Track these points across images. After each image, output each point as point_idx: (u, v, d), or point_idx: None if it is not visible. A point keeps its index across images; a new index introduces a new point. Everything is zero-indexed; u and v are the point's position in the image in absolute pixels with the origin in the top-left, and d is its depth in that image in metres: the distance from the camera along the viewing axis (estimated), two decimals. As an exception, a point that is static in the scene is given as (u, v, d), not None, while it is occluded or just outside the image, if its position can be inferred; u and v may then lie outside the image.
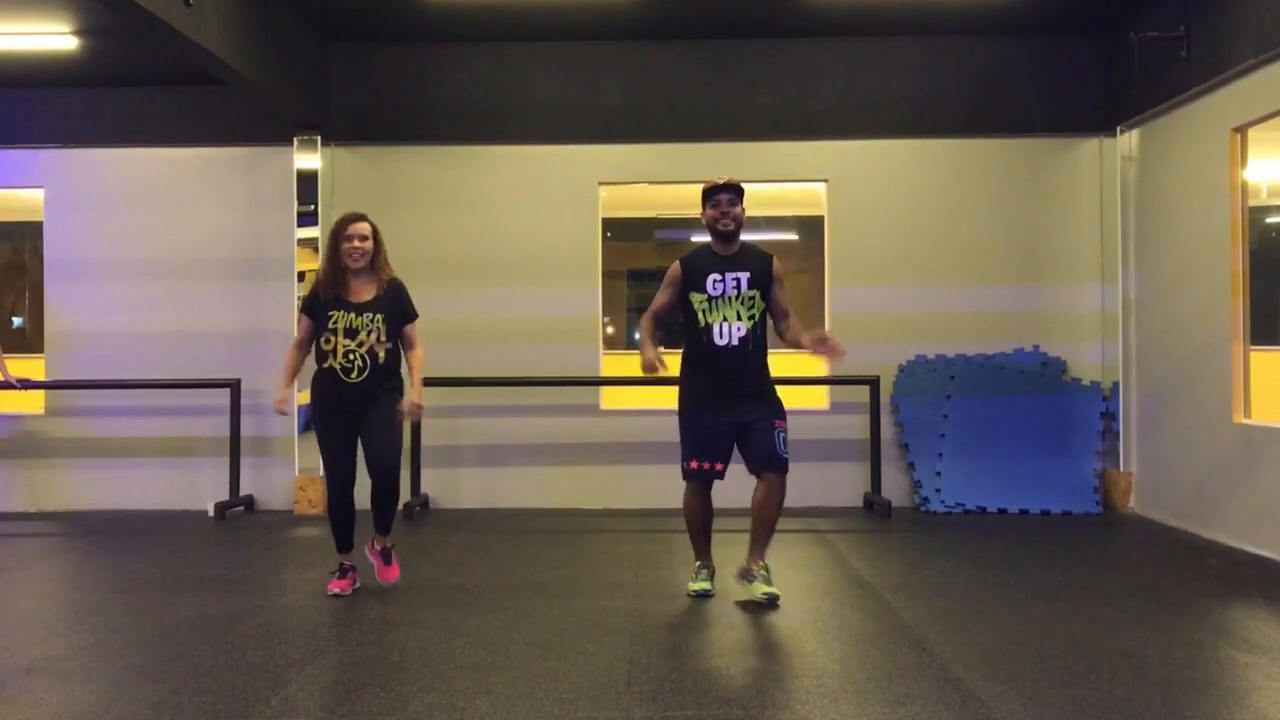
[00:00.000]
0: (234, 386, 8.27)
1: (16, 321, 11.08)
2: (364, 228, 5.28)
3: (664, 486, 8.39)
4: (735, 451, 5.30)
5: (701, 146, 8.48)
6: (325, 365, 5.23)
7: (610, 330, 10.70)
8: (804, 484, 8.36)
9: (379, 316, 5.22)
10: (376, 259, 5.31)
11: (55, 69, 8.28)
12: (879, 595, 5.32)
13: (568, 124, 8.52)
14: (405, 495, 8.11)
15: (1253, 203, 7.17)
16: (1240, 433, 6.68)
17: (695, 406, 5.30)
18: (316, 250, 8.28)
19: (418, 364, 5.40)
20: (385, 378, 5.27)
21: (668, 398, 9.15)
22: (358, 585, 5.43)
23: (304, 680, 3.97)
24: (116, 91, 8.66)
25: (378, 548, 5.51)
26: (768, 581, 5.13)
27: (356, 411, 5.23)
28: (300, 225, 8.31)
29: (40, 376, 8.48)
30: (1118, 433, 8.16)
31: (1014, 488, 8.05)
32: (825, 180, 8.50)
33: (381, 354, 5.23)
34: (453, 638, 4.56)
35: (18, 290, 11.02)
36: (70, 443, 8.56)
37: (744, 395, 5.19)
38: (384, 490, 5.33)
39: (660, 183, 8.99)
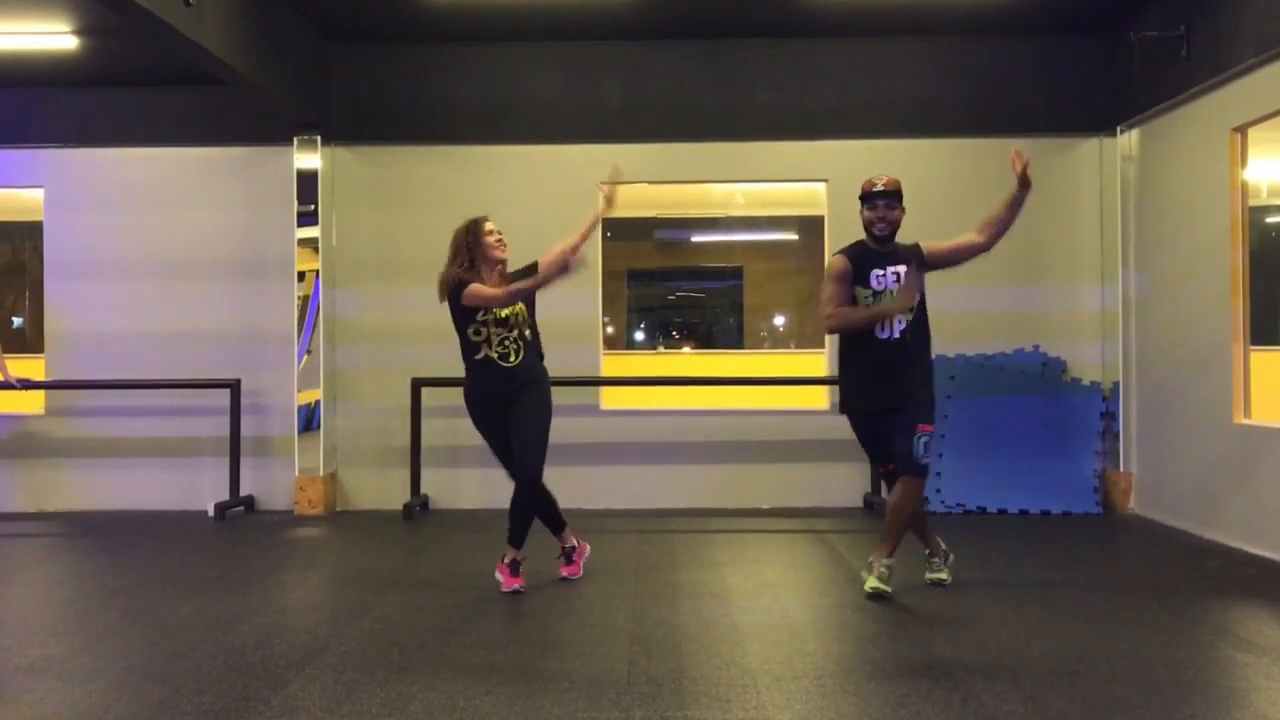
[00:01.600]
0: (234, 386, 8.27)
1: (16, 321, 11.08)
2: (495, 225, 5.52)
3: (664, 486, 8.43)
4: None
5: (701, 146, 8.48)
6: (479, 357, 5.36)
7: (610, 330, 10.70)
8: (804, 484, 8.40)
9: (520, 304, 5.45)
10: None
11: (55, 69, 8.28)
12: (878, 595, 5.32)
13: (568, 124, 8.51)
14: (405, 495, 8.14)
15: (1253, 203, 7.17)
16: (1240, 433, 6.68)
17: (857, 411, 5.38)
18: (317, 250, 8.28)
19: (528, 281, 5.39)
20: (536, 359, 5.48)
21: (668, 398, 9.21)
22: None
23: (304, 680, 3.97)
24: (116, 91, 8.65)
25: (506, 561, 5.47)
26: (881, 578, 5.21)
27: (510, 400, 5.36)
28: (300, 225, 8.31)
29: (40, 376, 8.48)
30: (1118, 433, 8.16)
31: (1014, 488, 8.05)
32: (825, 180, 8.50)
33: (528, 333, 5.47)
34: (453, 638, 4.56)
35: (18, 290, 11.02)
36: (70, 443, 8.56)
37: (900, 388, 5.20)
38: (529, 498, 5.39)
39: (660, 182, 8.98)
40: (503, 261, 5.49)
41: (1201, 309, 7.12)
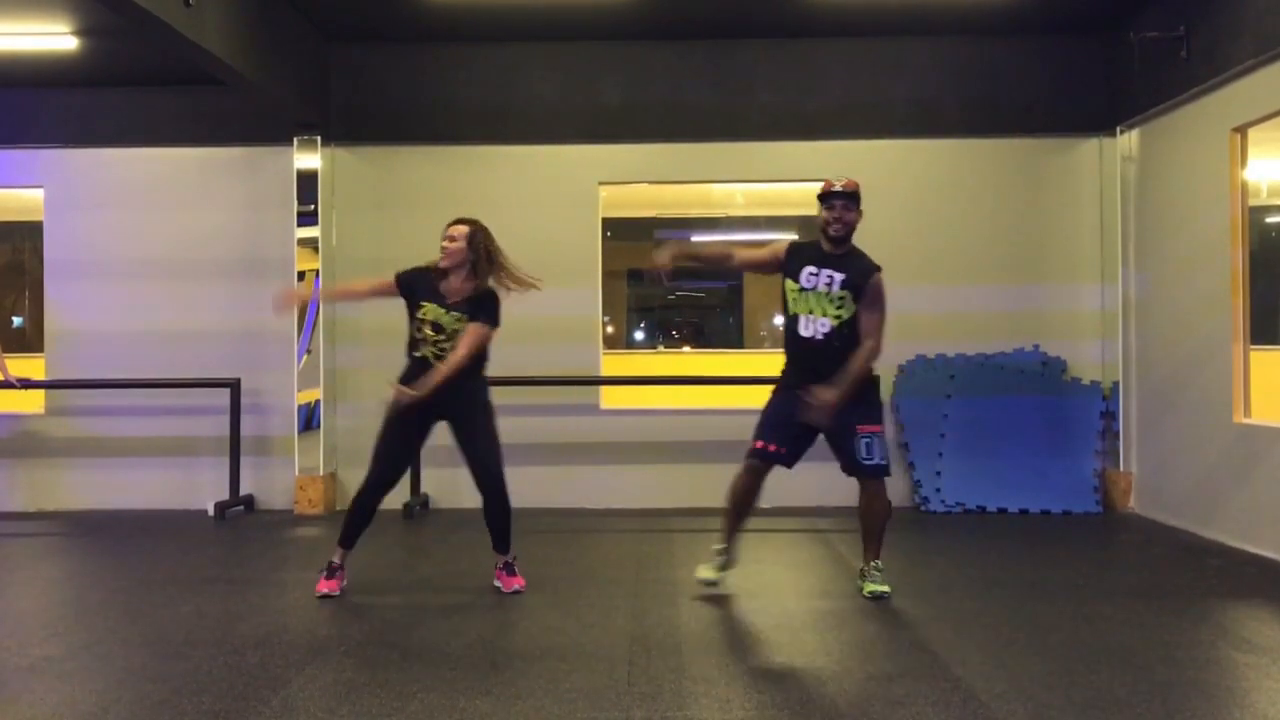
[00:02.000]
0: (234, 386, 8.26)
1: (16, 321, 11.08)
2: (459, 229, 5.31)
3: (664, 486, 8.42)
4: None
5: (701, 146, 8.48)
6: (418, 354, 5.26)
7: (610, 330, 10.70)
8: (804, 484, 8.36)
9: (464, 317, 5.25)
10: (479, 266, 5.28)
11: (55, 69, 8.28)
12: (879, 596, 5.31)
13: (568, 124, 8.51)
14: (405, 495, 8.14)
15: (1253, 203, 7.17)
16: (1240, 433, 6.68)
17: (777, 389, 5.30)
18: (317, 250, 8.28)
19: (453, 360, 5.16)
20: (471, 374, 5.25)
21: (668, 398, 9.21)
22: (345, 585, 5.40)
23: (304, 680, 3.97)
24: (116, 91, 8.65)
25: (500, 565, 5.47)
26: (878, 581, 5.21)
27: (442, 411, 5.23)
28: (300, 225, 8.31)
29: (40, 376, 8.48)
30: (1118, 432, 8.16)
31: (1014, 487, 8.05)
32: (825, 180, 8.48)
33: None
34: (453, 638, 4.56)
35: (18, 290, 11.02)
36: (70, 442, 8.56)
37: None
38: (499, 507, 5.35)
39: (660, 182, 8.98)
40: (458, 269, 5.26)
41: (1201, 309, 7.12)
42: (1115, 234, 8.21)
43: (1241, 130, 6.74)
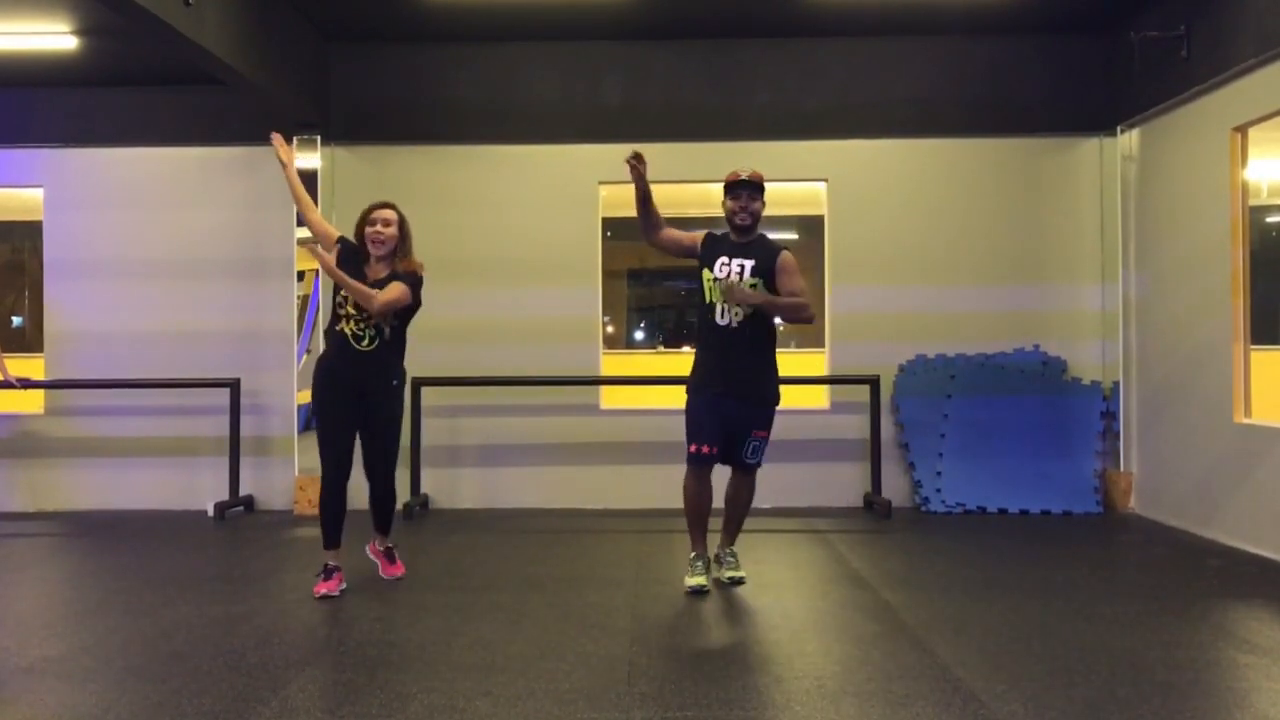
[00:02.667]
0: (234, 386, 8.27)
1: (16, 321, 11.08)
2: (389, 214, 5.43)
3: (664, 486, 8.40)
4: None
5: (701, 146, 8.48)
6: (338, 328, 5.35)
7: (610, 330, 10.70)
8: (804, 484, 8.39)
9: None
10: (400, 248, 5.43)
11: (55, 69, 8.28)
12: (879, 595, 5.32)
13: (568, 124, 8.52)
14: (405, 495, 8.13)
15: (1253, 203, 7.17)
16: (1240, 433, 6.68)
17: (696, 389, 5.46)
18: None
19: (370, 293, 5.20)
20: (391, 354, 5.41)
21: (668, 397, 9.19)
22: (345, 586, 5.42)
23: (304, 680, 3.97)
24: (116, 91, 8.65)
25: (380, 548, 5.64)
26: (734, 567, 5.51)
27: (361, 389, 5.31)
28: (300, 225, 8.30)
29: (40, 376, 8.47)
30: (1118, 433, 8.16)
31: (1014, 488, 8.05)
32: (825, 180, 8.50)
33: (387, 331, 5.38)
34: (453, 638, 4.56)
35: (18, 290, 11.02)
36: (70, 443, 8.56)
37: (741, 383, 5.34)
38: (383, 493, 5.51)
39: (660, 182, 8.92)
40: (384, 257, 5.39)
41: (1201, 309, 7.12)
42: (1115, 234, 8.21)
43: (1242, 130, 6.74)
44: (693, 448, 5.38)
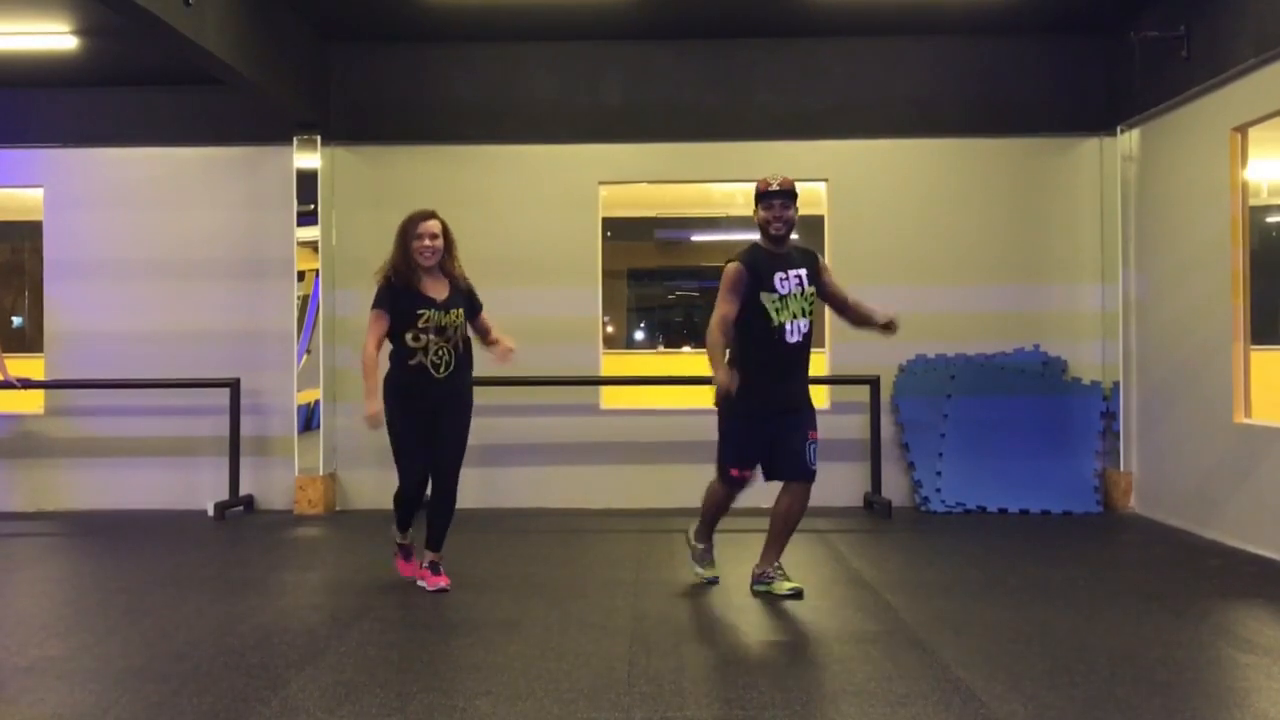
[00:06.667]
0: (234, 386, 8.26)
1: (16, 321, 11.08)
2: (434, 226, 5.28)
3: (664, 486, 8.41)
4: None
5: (701, 146, 8.48)
6: (414, 362, 5.23)
7: (610, 330, 10.70)
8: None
9: (461, 312, 5.33)
10: (446, 256, 5.33)
11: (55, 69, 8.28)
12: (879, 595, 5.32)
13: (568, 124, 8.51)
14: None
15: (1253, 203, 7.17)
16: (1240, 433, 6.68)
17: (749, 414, 5.19)
18: (316, 250, 8.28)
19: (494, 327, 5.50)
20: (465, 371, 5.41)
21: (668, 398, 9.20)
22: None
23: (304, 680, 3.97)
24: (116, 91, 8.65)
25: (426, 564, 5.49)
26: (787, 577, 5.31)
27: (436, 410, 5.30)
28: (300, 225, 8.31)
29: (40, 376, 8.47)
30: (1118, 433, 8.16)
31: (1014, 487, 8.05)
32: (825, 180, 8.50)
33: (462, 347, 5.37)
34: (453, 638, 4.56)
35: (18, 290, 11.02)
36: (70, 443, 8.56)
37: (798, 395, 5.28)
38: (444, 492, 5.40)
39: (660, 182, 8.98)
40: (432, 266, 5.28)
41: (1201, 309, 7.11)
42: (1115, 234, 8.21)
43: (1241, 130, 6.74)
44: (735, 471, 5.27)
